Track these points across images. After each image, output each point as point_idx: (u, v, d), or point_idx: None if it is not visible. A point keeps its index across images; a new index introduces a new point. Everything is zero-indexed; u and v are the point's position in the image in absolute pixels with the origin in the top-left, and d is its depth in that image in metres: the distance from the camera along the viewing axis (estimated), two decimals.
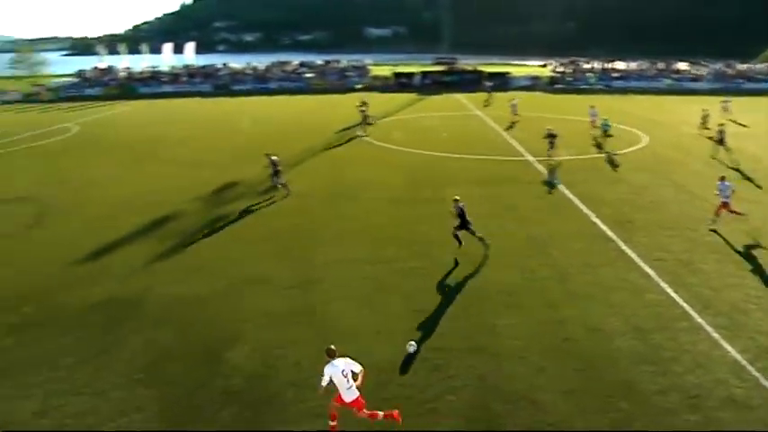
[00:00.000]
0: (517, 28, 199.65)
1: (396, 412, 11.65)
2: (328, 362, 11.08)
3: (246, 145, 39.35)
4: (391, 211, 24.37)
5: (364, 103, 46.12)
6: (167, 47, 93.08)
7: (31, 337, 15.46)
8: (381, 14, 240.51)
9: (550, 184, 27.35)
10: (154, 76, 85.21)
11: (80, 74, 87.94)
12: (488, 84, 67.60)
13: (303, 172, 31.65)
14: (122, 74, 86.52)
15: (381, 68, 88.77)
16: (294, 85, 78.85)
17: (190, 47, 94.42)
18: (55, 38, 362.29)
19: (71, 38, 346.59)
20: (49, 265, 20.28)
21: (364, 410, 11.39)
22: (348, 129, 43.84)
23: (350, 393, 11.13)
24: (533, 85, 74.25)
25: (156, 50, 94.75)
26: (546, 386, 12.71)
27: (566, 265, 18.69)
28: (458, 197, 20.38)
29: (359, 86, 74.67)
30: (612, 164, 31.49)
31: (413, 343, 13.84)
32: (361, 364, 11.38)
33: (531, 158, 31.32)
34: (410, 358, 13.67)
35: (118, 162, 36.41)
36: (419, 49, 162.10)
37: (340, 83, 77.18)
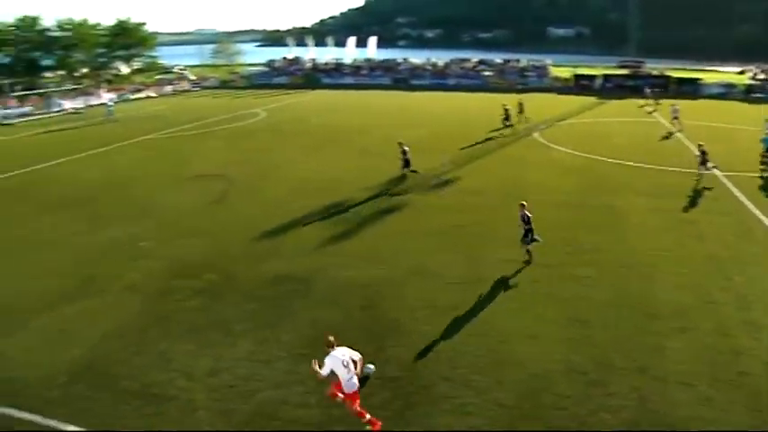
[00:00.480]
0: (714, 30, 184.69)
1: (378, 424, 11.59)
2: (328, 353, 11.32)
3: (423, 138, 40.00)
4: (560, 216, 23.69)
5: (520, 104, 45.61)
6: (351, 40, 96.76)
7: (212, 302, 16.95)
8: (564, 14, 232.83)
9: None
10: (337, 68, 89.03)
11: (270, 63, 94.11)
12: (649, 90, 63.30)
13: (476, 169, 31.65)
14: (308, 64, 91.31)
15: (562, 69, 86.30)
16: (472, 82, 78.73)
17: (372, 41, 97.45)
18: (251, 30, 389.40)
19: (265, 30, 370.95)
20: (231, 238, 22.06)
21: (357, 406, 11.49)
22: (524, 127, 43.12)
23: (350, 385, 11.31)
24: (726, 93, 68.33)
25: (340, 43, 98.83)
26: (712, 419, 11.78)
27: (748, 292, 17.05)
28: (524, 202, 19.31)
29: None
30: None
31: (370, 366, 13.17)
32: (360, 353, 11.77)
33: (717, 172, 28.98)
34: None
35: (298, 147, 38.60)
36: (603, 51, 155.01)
37: (519, 82, 75.98)
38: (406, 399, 12.46)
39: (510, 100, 47.32)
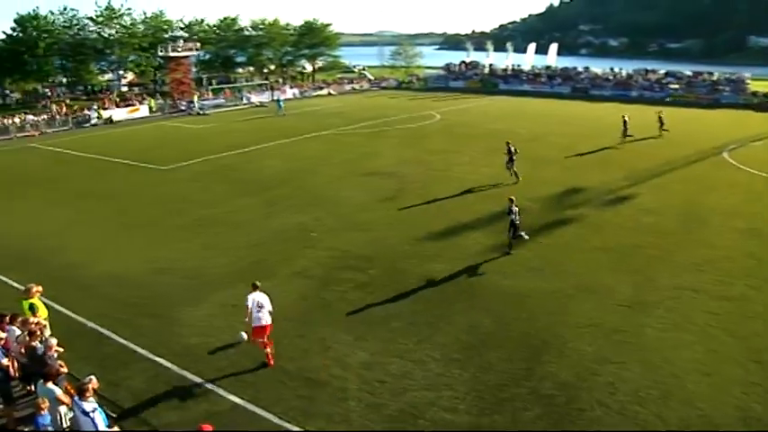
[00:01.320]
0: None
1: (272, 363, 13.82)
2: (251, 292, 14.01)
3: (603, 150, 38.32)
4: (745, 244, 21.55)
5: (660, 117, 42.51)
6: (531, 47, 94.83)
7: (373, 296, 17.30)
8: None
9: None
10: (515, 74, 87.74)
11: (447, 67, 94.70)
12: None
13: (655, 187, 29.62)
14: (485, 70, 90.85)
15: (762, 84, 78.72)
16: (656, 95, 74.27)
17: (552, 48, 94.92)
18: (431, 33, 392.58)
19: (445, 33, 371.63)
20: (398, 236, 22.47)
21: (264, 339, 13.84)
22: (716, 147, 39.87)
23: (254, 320, 13.72)
24: None
25: (519, 49, 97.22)
26: None
27: None
28: (513, 197, 21.06)
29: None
30: None
31: (243, 334, 14.06)
32: (272, 300, 14.17)
33: None
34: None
35: (472, 151, 38.47)
36: None
37: (710, 97, 70.48)
38: (557, 419, 11.93)
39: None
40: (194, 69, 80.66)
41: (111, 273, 19.57)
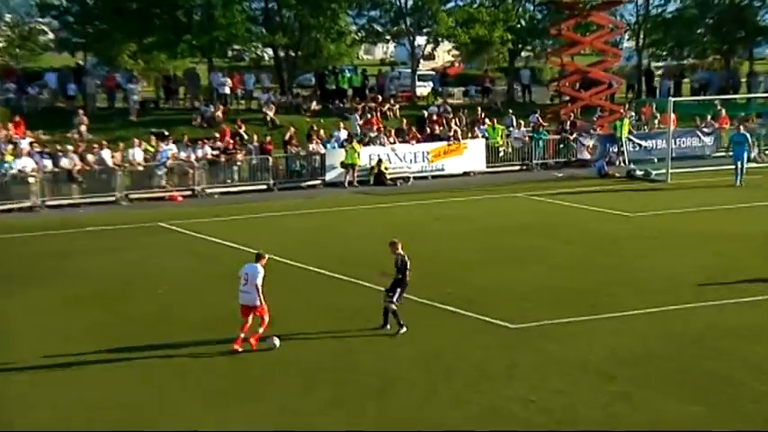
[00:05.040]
0: None
1: (238, 343, 18.27)
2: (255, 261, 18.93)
3: None
4: None
5: None
6: None
7: None
8: None
9: None
10: None
11: None
12: None
13: None
14: None
15: None
16: None
17: None
18: None
19: None
20: None
21: (245, 318, 18.40)
22: None
23: (241, 295, 18.52)
24: None
25: None
26: None
27: None
28: (396, 239, 20.17)
29: None
30: None
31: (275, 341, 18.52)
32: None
33: None
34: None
35: None
36: None
37: None
38: None
39: None
40: (625, 45, 57.48)
41: None
